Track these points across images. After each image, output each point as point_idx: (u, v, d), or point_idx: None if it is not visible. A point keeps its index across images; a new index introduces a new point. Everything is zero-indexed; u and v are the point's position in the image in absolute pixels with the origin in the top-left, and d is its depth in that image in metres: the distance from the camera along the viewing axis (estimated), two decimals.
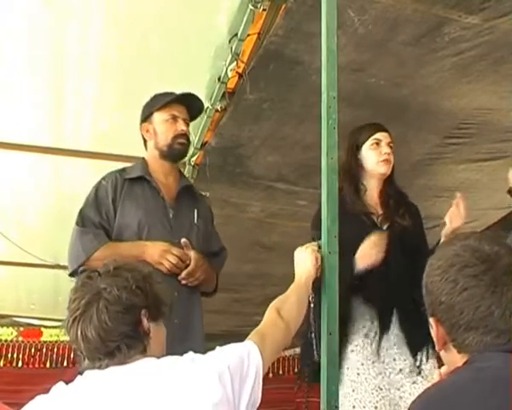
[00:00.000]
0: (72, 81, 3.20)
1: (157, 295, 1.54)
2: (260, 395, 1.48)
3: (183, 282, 2.32)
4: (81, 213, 2.37)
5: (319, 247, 1.91)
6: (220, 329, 6.01)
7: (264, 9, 2.72)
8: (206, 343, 2.28)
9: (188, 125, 2.53)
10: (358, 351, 2.26)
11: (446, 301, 1.20)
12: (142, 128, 2.52)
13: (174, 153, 2.49)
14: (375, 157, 2.44)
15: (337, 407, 1.77)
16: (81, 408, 1.41)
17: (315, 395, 2.36)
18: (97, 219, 2.34)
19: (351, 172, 2.45)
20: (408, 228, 2.38)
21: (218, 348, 1.51)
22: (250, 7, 2.72)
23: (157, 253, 2.28)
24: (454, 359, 1.21)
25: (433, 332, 1.27)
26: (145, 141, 2.55)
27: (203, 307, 2.46)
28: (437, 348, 1.27)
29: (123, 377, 1.43)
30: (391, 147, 2.46)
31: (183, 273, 2.31)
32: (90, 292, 1.47)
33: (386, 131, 2.48)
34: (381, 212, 2.43)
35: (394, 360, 2.27)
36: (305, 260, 1.89)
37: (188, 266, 2.31)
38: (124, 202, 2.37)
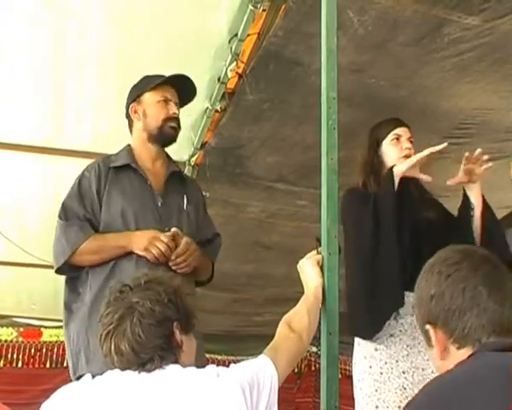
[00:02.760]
0: (72, 81, 3.20)
1: (187, 308, 1.57)
2: (276, 406, 1.52)
3: (174, 268, 2.19)
4: (64, 206, 2.26)
5: (320, 252, 1.92)
6: (220, 329, 6.01)
7: (263, 10, 2.73)
8: (203, 342, 2.25)
9: (178, 109, 2.42)
10: (382, 349, 2.23)
11: (436, 293, 1.26)
12: (130, 109, 2.38)
13: (164, 136, 2.37)
14: (395, 153, 2.39)
15: (337, 407, 1.77)
16: (105, 407, 1.44)
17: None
18: (82, 212, 2.22)
19: (373, 168, 2.42)
20: (433, 220, 2.37)
21: (232, 365, 1.54)
22: (250, 7, 2.73)
23: (146, 240, 2.16)
24: (455, 362, 1.21)
25: (432, 343, 1.28)
26: (131, 124, 2.42)
27: (202, 307, 2.42)
28: (439, 357, 1.26)
29: (148, 381, 1.45)
30: (411, 142, 2.41)
31: (173, 256, 2.18)
32: (123, 306, 1.49)
33: (406, 125, 2.45)
34: None
35: (417, 359, 2.25)
36: (310, 273, 1.89)
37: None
38: (109, 192, 2.25)
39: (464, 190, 2.35)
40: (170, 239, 2.19)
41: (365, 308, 2.26)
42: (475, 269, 1.25)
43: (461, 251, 1.31)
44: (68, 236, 2.20)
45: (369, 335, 2.25)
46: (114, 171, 2.31)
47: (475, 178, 2.29)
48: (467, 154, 2.29)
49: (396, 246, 2.20)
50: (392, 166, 2.29)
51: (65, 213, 2.25)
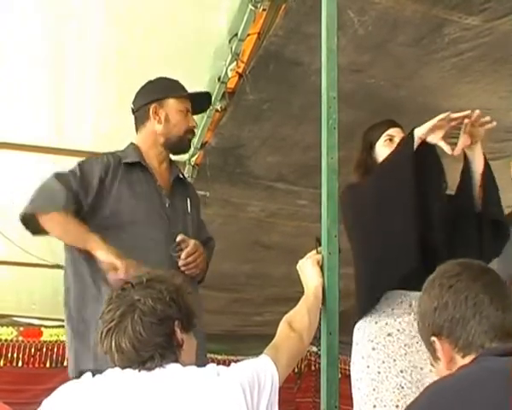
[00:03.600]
0: (72, 81, 3.20)
1: (189, 306, 1.57)
2: (277, 405, 1.52)
3: (183, 269, 2.19)
4: (63, 172, 2.26)
5: (319, 252, 1.92)
6: (220, 329, 6.02)
7: (264, 9, 2.73)
8: (205, 342, 2.25)
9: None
10: (380, 349, 2.22)
11: (439, 304, 1.29)
12: (152, 109, 2.34)
13: (182, 146, 2.41)
14: None
15: (337, 407, 1.78)
16: (106, 405, 1.44)
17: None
18: (75, 186, 2.18)
19: (367, 170, 2.40)
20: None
21: (233, 364, 1.54)
22: (250, 7, 2.72)
23: (114, 251, 2.06)
24: None
25: (438, 355, 1.29)
26: (143, 121, 2.37)
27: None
28: (445, 368, 1.28)
29: (149, 380, 1.46)
30: None
31: (183, 255, 2.18)
32: (125, 303, 1.49)
33: (399, 126, 2.43)
34: None
35: (415, 358, 2.25)
36: (310, 272, 1.89)
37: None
38: (120, 187, 2.24)
39: (465, 154, 2.27)
40: (136, 270, 1.91)
41: (372, 270, 2.22)
42: (474, 279, 1.29)
43: (459, 264, 1.36)
44: (55, 195, 2.17)
45: (377, 294, 2.20)
46: (125, 167, 2.29)
47: (477, 138, 2.23)
48: (466, 113, 2.19)
49: (411, 199, 2.10)
50: (414, 128, 2.20)
51: (61, 177, 2.23)
